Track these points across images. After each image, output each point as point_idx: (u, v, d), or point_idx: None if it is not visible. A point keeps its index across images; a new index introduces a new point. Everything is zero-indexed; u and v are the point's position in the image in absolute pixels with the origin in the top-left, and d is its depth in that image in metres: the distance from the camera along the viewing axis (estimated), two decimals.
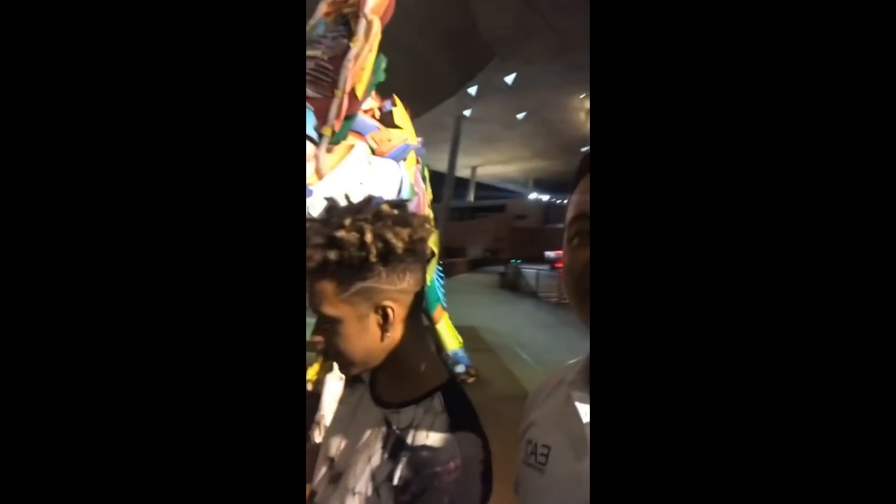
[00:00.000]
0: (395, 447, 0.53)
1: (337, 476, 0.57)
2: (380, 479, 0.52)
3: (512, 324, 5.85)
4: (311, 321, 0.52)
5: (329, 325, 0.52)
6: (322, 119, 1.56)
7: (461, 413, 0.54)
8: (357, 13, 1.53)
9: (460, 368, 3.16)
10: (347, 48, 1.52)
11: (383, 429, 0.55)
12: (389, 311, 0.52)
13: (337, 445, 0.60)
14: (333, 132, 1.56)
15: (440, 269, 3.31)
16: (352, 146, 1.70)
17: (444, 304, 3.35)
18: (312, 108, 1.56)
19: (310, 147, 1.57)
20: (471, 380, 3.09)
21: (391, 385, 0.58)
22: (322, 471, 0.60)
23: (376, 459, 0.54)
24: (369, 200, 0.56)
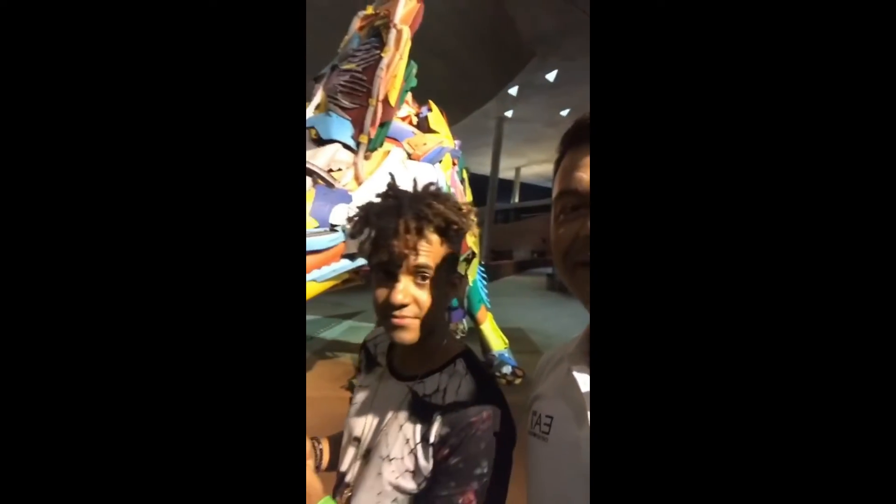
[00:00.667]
0: (426, 410, 0.57)
1: (367, 452, 0.60)
2: (414, 441, 0.56)
3: (560, 325, 5.68)
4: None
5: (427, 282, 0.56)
6: (359, 127, 1.64)
7: (481, 373, 0.60)
8: (387, 24, 1.60)
9: (507, 369, 3.13)
10: (380, 58, 1.59)
11: (409, 398, 0.59)
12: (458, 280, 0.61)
13: (362, 426, 0.63)
14: (370, 139, 1.64)
15: (482, 270, 3.30)
16: (388, 152, 1.77)
17: (488, 305, 3.34)
18: (349, 118, 1.65)
19: (349, 155, 1.65)
20: (518, 381, 3.05)
21: (414, 360, 0.62)
22: (350, 452, 0.63)
23: (408, 426, 0.57)
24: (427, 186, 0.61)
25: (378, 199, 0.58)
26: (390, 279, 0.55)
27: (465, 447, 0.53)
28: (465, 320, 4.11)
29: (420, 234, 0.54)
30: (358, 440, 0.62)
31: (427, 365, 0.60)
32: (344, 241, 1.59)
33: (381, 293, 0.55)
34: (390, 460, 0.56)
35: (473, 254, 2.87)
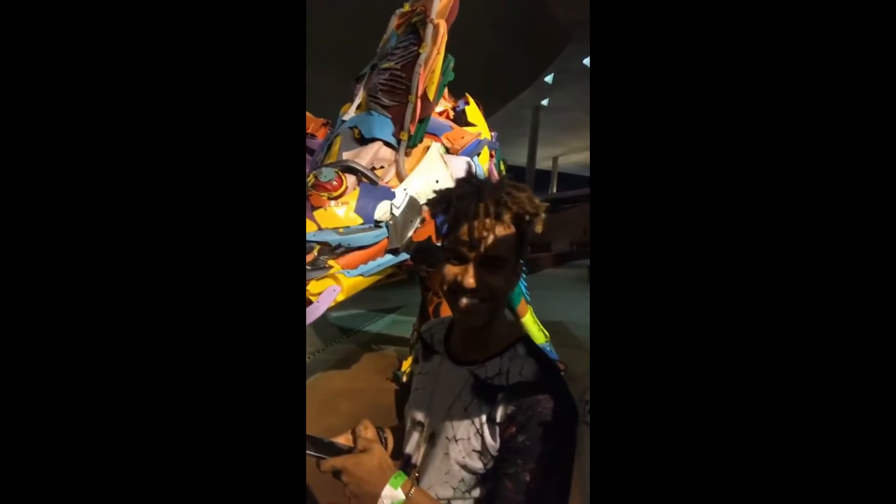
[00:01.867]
0: (489, 392, 0.59)
1: (432, 435, 0.62)
2: (480, 422, 0.58)
3: None
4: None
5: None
6: (399, 125, 1.66)
7: (541, 356, 0.63)
8: (424, 20, 1.61)
9: None
10: (418, 55, 1.61)
11: (471, 382, 0.61)
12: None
13: (425, 411, 0.65)
14: (409, 136, 1.66)
15: (522, 263, 3.27)
16: (427, 147, 1.79)
17: (528, 299, 3.30)
18: (389, 116, 1.68)
19: (390, 152, 1.69)
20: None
21: (474, 345, 0.64)
22: (414, 436, 0.65)
23: (473, 407, 0.59)
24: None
25: (458, 185, 0.61)
26: (463, 262, 0.56)
27: (531, 425, 0.54)
28: (506, 313, 4.08)
29: (499, 219, 0.55)
30: (421, 424, 0.65)
31: (487, 350, 0.63)
32: (388, 237, 1.63)
33: (452, 275, 0.57)
34: (457, 441, 0.58)
35: None
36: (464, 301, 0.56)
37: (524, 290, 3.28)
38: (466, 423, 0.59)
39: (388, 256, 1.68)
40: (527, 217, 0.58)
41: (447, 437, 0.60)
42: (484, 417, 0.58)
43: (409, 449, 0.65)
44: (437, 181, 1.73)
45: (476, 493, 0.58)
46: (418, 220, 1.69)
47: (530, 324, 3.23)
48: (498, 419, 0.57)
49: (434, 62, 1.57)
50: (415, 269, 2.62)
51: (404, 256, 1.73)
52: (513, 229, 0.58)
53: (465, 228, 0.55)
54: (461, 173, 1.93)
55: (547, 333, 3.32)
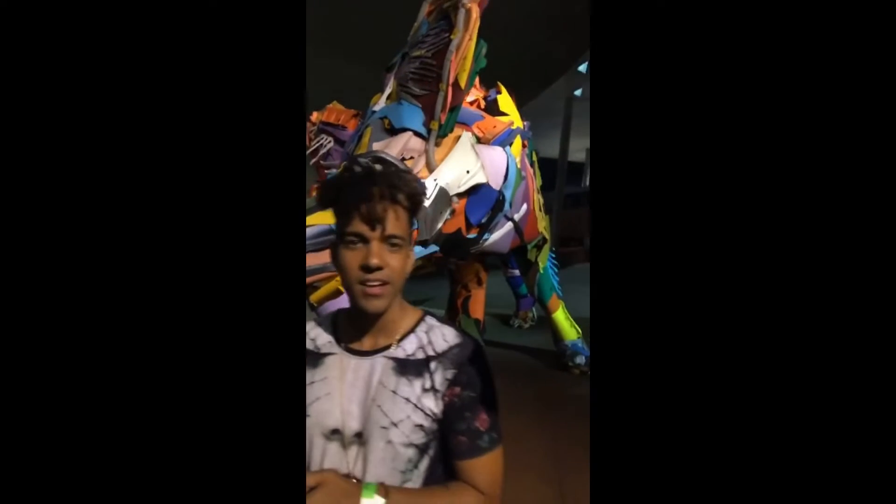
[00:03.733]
0: (416, 366, 0.62)
1: (358, 434, 0.60)
2: (415, 396, 0.60)
3: None
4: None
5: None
6: (429, 114, 1.64)
7: (446, 321, 0.68)
8: (455, 5, 1.56)
9: (580, 360, 3.00)
10: (449, 42, 1.57)
11: (391, 366, 0.62)
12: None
13: (337, 415, 0.61)
14: (440, 125, 1.63)
15: (553, 257, 3.18)
16: (458, 137, 1.75)
17: (560, 294, 3.22)
18: (420, 105, 1.65)
19: (420, 143, 1.67)
20: None
21: (377, 332, 0.65)
22: (333, 446, 0.61)
23: (402, 386, 0.61)
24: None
25: (347, 173, 0.62)
26: (364, 243, 0.58)
27: (472, 379, 0.61)
28: (533, 309, 4.02)
29: (394, 200, 0.58)
30: (337, 431, 0.62)
31: (395, 331, 0.65)
32: (417, 229, 1.61)
33: (354, 259, 0.58)
34: (396, 425, 0.59)
35: (544, 240, 2.77)
36: (371, 287, 0.58)
37: (556, 284, 3.20)
38: (401, 403, 0.60)
39: (419, 248, 1.66)
40: (416, 198, 0.62)
41: (382, 427, 0.59)
42: (418, 391, 0.61)
43: (331, 463, 0.61)
44: (467, 171, 1.69)
45: (423, 465, 0.61)
46: (448, 212, 1.67)
47: (562, 319, 3.15)
48: (437, 386, 0.61)
49: (466, 48, 1.53)
50: (444, 262, 2.61)
51: (434, 248, 1.71)
52: (406, 210, 0.61)
53: (363, 210, 0.57)
54: (493, 163, 1.89)
55: (579, 329, 3.23)
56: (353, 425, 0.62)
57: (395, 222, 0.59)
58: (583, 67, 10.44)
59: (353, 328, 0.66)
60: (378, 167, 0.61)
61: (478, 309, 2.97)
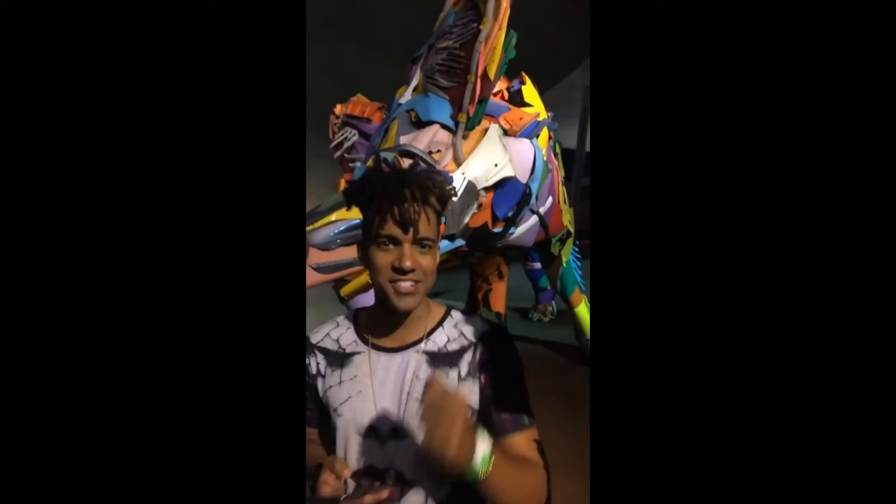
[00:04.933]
0: (450, 357, 0.65)
1: (394, 429, 0.61)
2: (454, 384, 0.63)
3: None
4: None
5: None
6: (457, 107, 1.61)
7: (470, 313, 0.72)
8: None
9: None
10: (478, 32, 1.53)
11: (424, 359, 0.64)
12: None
13: (370, 413, 0.62)
14: (468, 118, 1.60)
15: (576, 250, 3.14)
16: (485, 129, 1.72)
17: (583, 288, 3.18)
18: (447, 97, 1.63)
19: (447, 136, 1.64)
20: None
21: (406, 329, 0.66)
22: (371, 443, 0.61)
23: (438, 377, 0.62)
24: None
25: (375, 176, 0.62)
26: (396, 246, 0.59)
27: (506, 361, 0.65)
28: (553, 302, 3.98)
29: (425, 202, 0.59)
30: (373, 428, 0.62)
31: (423, 328, 0.66)
32: (444, 223, 1.60)
33: (385, 259, 0.59)
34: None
35: (569, 233, 2.72)
36: (403, 285, 0.59)
37: (578, 278, 3.16)
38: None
39: (445, 242, 1.65)
40: (446, 199, 0.63)
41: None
42: (455, 381, 0.63)
43: (370, 460, 0.61)
44: (495, 164, 1.67)
45: None
46: (475, 206, 1.65)
47: (585, 314, 3.11)
48: (472, 372, 0.64)
49: (496, 38, 1.49)
50: (468, 256, 2.59)
51: (460, 242, 1.70)
52: (436, 212, 0.62)
53: (395, 212, 0.57)
54: (520, 156, 1.86)
55: None
56: (389, 421, 0.62)
57: (426, 225, 0.60)
58: None
59: (380, 325, 0.67)
60: (406, 161, 0.62)
61: (499, 302, 2.95)
